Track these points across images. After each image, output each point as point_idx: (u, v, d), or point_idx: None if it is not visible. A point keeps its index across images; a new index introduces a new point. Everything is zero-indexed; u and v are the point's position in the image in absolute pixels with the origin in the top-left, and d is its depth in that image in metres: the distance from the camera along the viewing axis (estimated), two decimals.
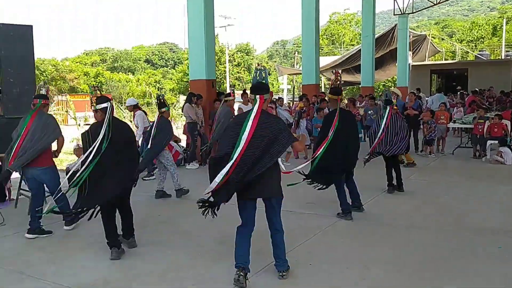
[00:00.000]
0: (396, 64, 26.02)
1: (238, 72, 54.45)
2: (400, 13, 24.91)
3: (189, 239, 5.26)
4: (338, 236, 5.32)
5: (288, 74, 36.40)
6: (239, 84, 53.00)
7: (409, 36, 25.95)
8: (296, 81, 39.46)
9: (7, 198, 7.30)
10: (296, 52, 46.07)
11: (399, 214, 6.25)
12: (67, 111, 27.40)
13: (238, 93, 17.33)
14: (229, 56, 49.50)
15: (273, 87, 44.99)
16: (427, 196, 7.20)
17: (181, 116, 22.58)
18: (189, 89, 11.58)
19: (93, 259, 4.70)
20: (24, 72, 6.52)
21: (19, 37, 6.52)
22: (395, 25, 26.04)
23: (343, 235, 5.36)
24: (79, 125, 16.88)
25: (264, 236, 4.23)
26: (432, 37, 36.65)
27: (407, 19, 25.10)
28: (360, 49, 22.24)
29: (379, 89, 35.24)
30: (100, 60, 59.01)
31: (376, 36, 22.35)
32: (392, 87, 34.65)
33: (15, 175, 7.95)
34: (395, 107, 7.38)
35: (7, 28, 6.44)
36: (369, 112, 12.80)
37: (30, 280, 4.17)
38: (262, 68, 6.14)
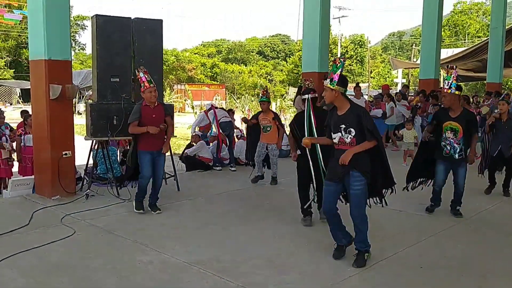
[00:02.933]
0: None
1: (349, 65, 53.31)
2: None
3: (296, 229, 5.35)
4: (453, 241, 5.02)
5: (404, 68, 34.72)
6: (350, 77, 51.92)
7: None
8: (412, 74, 37.54)
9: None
10: (414, 45, 43.78)
11: None
12: (185, 100, 29.20)
13: (350, 85, 17.00)
14: (342, 48, 48.67)
15: (385, 81, 43.28)
16: None
17: (290, 108, 22.83)
18: (301, 81, 11.66)
19: (207, 239, 5.02)
20: (154, 63, 7.09)
21: (150, 30, 7.10)
22: None
23: (459, 240, 5.05)
24: (196, 113, 17.86)
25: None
26: None
27: None
28: (487, 42, 20.42)
29: (507, 86, 32.06)
30: (216, 51, 61.70)
31: (507, 27, 20.30)
32: None
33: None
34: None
35: (140, 22, 7.04)
36: (496, 111, 11.73)
37: (152, 252, 4.59)
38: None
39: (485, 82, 21.69)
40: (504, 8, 18.95)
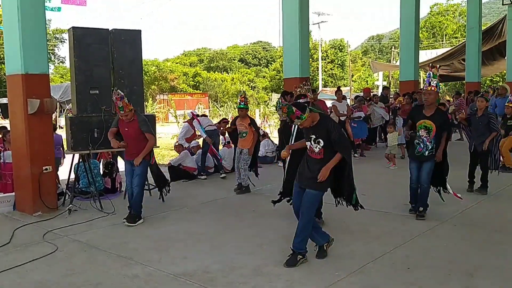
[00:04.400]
0: (506, 57, 23.90)
1: (331, 69, 53.77)
2: (509, 2, 22.82)
3: (283, 236, 5.32)
4: (439, 240, 5.05)
5: (384, 71, 35.14)
6: (332, 81, 52.35)
7: None
8: (392, 77, 38.00)
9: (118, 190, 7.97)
10: (393, 47, 44.37)
11: (507, 220, 5.78)
12: (168, 110, 29.06)
13: (332, 90, 17.11)
14: (322, 53, 49.07)
15: (367, 84, 43.74)
16: None
17: (273, 114, 22.87)
18: (283, 87, 11.68)
19: (193, 250, 4.95)
20: (134, 74, 7.04)
21: (129, 41, 7.04)
22: (505, 15, 23.93)
23: (444, 239, 5.08)
24: (179, 123, 17.78)
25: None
26: None
27: None
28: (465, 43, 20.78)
29: (485, 85, 32.64)
30: (198, 60, 61.61)
31: (483, 28, 20.71)
32: (500, 82, 31.97)
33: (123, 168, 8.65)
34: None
35: (118, 33, 6.98)
36: (475, 108, 11.93)
37: (137, 265, 4.51)
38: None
39: (464, 82, 22.05)
40: (479, 8, 19.33)
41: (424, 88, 5.72)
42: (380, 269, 4.27)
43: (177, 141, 10.27)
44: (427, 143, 5.68)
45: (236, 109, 8.26)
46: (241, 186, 7.71)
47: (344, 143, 4.30)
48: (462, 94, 14.84)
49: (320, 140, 4.26)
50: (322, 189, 4.38)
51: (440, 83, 6.45)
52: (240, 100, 7.80)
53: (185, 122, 10.70)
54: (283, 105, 4.22)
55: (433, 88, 5.57)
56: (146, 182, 6.53)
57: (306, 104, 4.28)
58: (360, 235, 5.20)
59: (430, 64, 5.82)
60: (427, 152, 5.71)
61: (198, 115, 10.15)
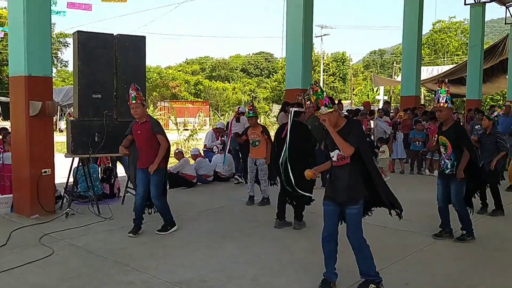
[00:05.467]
0: (507, 76, 24.01)
1: (332, 82, 53.92)
2: None
3: (281, 246, 5.29)
4: (438, 257, 5.02)
5: (385, 85, 35.26)
6: (333, 94, 52.46)
7: None
8: (393, 92, 38.11)
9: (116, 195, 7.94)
10: (395, 62, 44.55)
11: (507, 238, 5.75)
12: (169, 117, 29.07)
13: None
14: (324, 66, 49.26)
15: (368, 98, 43.85)
16: None
17: (274, 124, 22.90)
18: (285, 98, 11.71)
19: (191, 258, 4.91)
20: (136, 79, 6.99)
21: (133, 47, 7.07)
22: (507, 34, 24.09)
23: (443, 256, 5.05)
24: (179, 130, 17.78)
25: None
26: None
27: None
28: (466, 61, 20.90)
29: (486, 103, 32.75)
30: (200, 68, 61.82)
31: (485, 47, 20.82)
32: (501, 100, 32.05)
33: (123, 174, 8.65)
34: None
35: (123, 38, 7.01)
36: (476, 127, 11.94)
37: (134, 272, 4.48)
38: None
39: (464, 99, 22.11)
40: (482, 27, 19.46)
41: (435, 106, 5.59)
42: None
43: (177, 148, 10.33)
44: (446, 160, 5.49)
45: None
46: (264, 198, 7.48)
47: (365, 143, 4.08)
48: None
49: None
50: (361, 199, 3.98)
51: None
52: (248, 109, 7.66)
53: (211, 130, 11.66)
54: (320, 88, 3.96)
55: (442, 104, 5.41)
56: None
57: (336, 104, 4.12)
58: None
59: (439, 80, 5.68)
60: (447, 171, 5.50)
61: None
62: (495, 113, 7.13)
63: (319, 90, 3.98)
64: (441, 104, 5.40)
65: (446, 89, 5.38)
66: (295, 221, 6.01)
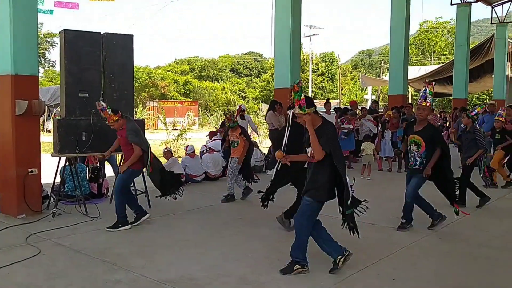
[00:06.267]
0: (493, 75, 24.34)
1: (321, 81, 54.12)
2: (498, 21, 23.31)
3: (269, 244, 5.31)
4: (425, 253, 5.08)
5: (373, 85, 35.48)
6: (321, 94, 52.66)
7: (508, 46, 24.16)
8: (381, 91, 38.36)
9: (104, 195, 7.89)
10: (383, 62, 44.84)
11: (494, 234, 5.84)
12: (158, 117, 28.95)
13: (322, 102, 17.27)
14: (313, 65, 49.41)
15: (356, 97, 44.09)
16: None
17: (263, 124, 22.90)
18: (274, 97, 11.74)
19: (178, 256, 4.91)
20: (124, 78, 7.02)
21: (121, 45, 7.03)
22: (493, 34, 24.41)
23: (430, 252, 5.10)
24: (168, 130, 17.72)
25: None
26: None
27: (506, 28, 23.41)
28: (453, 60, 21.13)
29: (472, 102, 33.12)
30: (189, 68, 61.63)
31: (471, 46, 21.07)
32: (487, 99, 32.45)
33: (111, 174, 8.61)
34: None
35: (111, 37, 6.97)
36: (462, 125, 12.09)
37: (121, 271, 4.46)
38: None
39: (451, 98, 22.36)
40: (468, 26, 19.68)
41: (419, 103, 5.71)
42: (365, 280, 4.27)
43: (165, 148, 10.27)
44: (417, 158, 5.73)
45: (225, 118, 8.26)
46: (227, 195, 7.71)
47: (333, 145, 4.23)
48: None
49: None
50: (318, 198, 4.26)
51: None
52: (227, 120, 7.85)
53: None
54: (300, 88, 4.17)
55: (427, 104, 5.59)
56: (133, 188, 6.49)
57: (314, 105, 4.30)
58: (346, 245, 5.18)
59: (427, 80, 5.81)
60: (415, 166, 5.76)
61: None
62: (475, 111, 7.27)
63: (299, 90, 4.18)
64: (427, 104, 5.56)
65: (432, 91, 5.56)
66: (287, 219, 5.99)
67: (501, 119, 8.91)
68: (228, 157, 8.10)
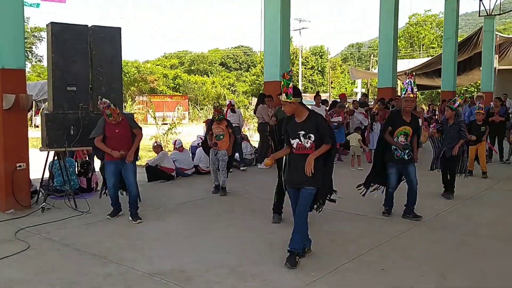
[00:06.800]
0: (481, 68, 24.54)
1: (311, 75, 54.20)
2: (486, 14, 23.48)
3: (260, 236, 5.33)
4: (413, 242, 5.13)
5: (363, 78, 35.60)
6: (311, 87, 52.75)
7: (496, 39, 24.35)
8: (371, 84, 38.52)
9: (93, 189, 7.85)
10: (372, 55, 45.01)
11: (481, 223, 5.91)
12: (147, 111, 28.77)
13: (312, 95, 17.26)
14: (303, 59, 49.44)
15: (346, 91, 44.23)
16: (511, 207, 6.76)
17: (253, 118, 22.89)
18: (264, 90, 11.75)
19: (169, 249, 4.91)
20: (112, 71, 6.95)
21: (109, 38, 6.95)
22: (481, 27, 24.58)
23: (418, 242, 5.16)
24: (157, 124, 17.61)
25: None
26: None
27: (493, 20, 23.58)
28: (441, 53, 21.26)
29: (460, 94, 33.39)
30: (179, 63, 61.28)
31: (460, 39, 21.21)
32: (475, 92, 32.73)
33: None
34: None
35: (98, 30, 6.89)
36: (443, 117, 12.26)
37: (111, 264, 4.45)
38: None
39: (439, 90, 22.52)
40: (456, 19, 19.78)
41: (406, 95, 5.77)
42: (355, 270, 4.30)
43: (155, 142, 10.24)
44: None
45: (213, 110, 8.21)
46: (224, 188, 7.68)
47: (331, 135, 4.37)
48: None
49: (311, 134, 4.28)
50: (317, 185, 4.33)
51: (418, 92, 6.76)
52: (216, 113, 7.76)
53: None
54: (290, 77, 4.20)
55: (415, 95, 5.72)
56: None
57: (301, 96, 4.34)
58: (336, 236, 5.24)
59: (408, 72, 5.93)
60: (406, 156, 5.84)
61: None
62: (457, 103, 7.34)
63: (289, 78, 4.20)
64: (414, 95, 5.65)
65: (415, 81, 5.70)
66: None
67: (482, 111, 9.05)
68: (206, 149, 8.01)
